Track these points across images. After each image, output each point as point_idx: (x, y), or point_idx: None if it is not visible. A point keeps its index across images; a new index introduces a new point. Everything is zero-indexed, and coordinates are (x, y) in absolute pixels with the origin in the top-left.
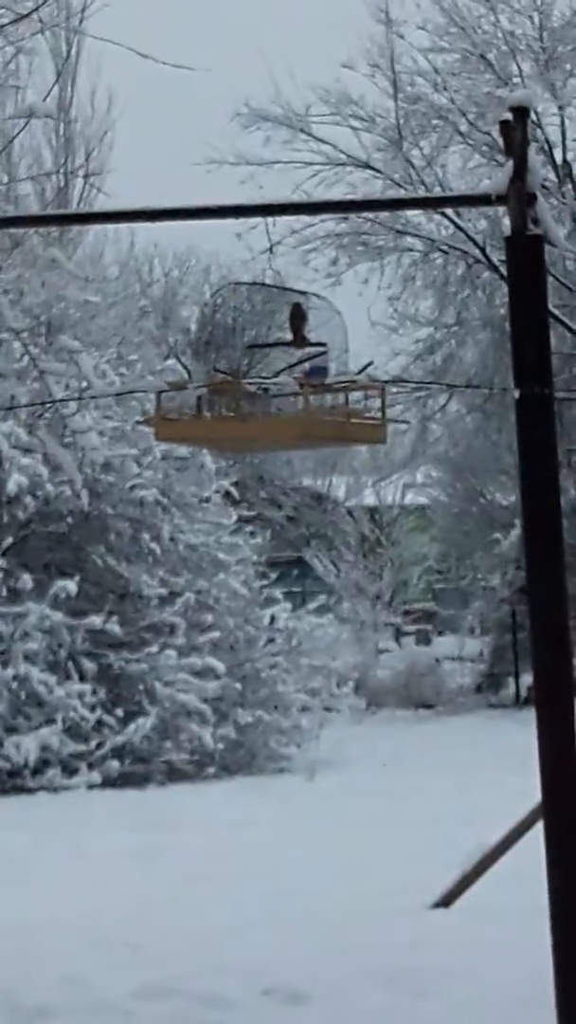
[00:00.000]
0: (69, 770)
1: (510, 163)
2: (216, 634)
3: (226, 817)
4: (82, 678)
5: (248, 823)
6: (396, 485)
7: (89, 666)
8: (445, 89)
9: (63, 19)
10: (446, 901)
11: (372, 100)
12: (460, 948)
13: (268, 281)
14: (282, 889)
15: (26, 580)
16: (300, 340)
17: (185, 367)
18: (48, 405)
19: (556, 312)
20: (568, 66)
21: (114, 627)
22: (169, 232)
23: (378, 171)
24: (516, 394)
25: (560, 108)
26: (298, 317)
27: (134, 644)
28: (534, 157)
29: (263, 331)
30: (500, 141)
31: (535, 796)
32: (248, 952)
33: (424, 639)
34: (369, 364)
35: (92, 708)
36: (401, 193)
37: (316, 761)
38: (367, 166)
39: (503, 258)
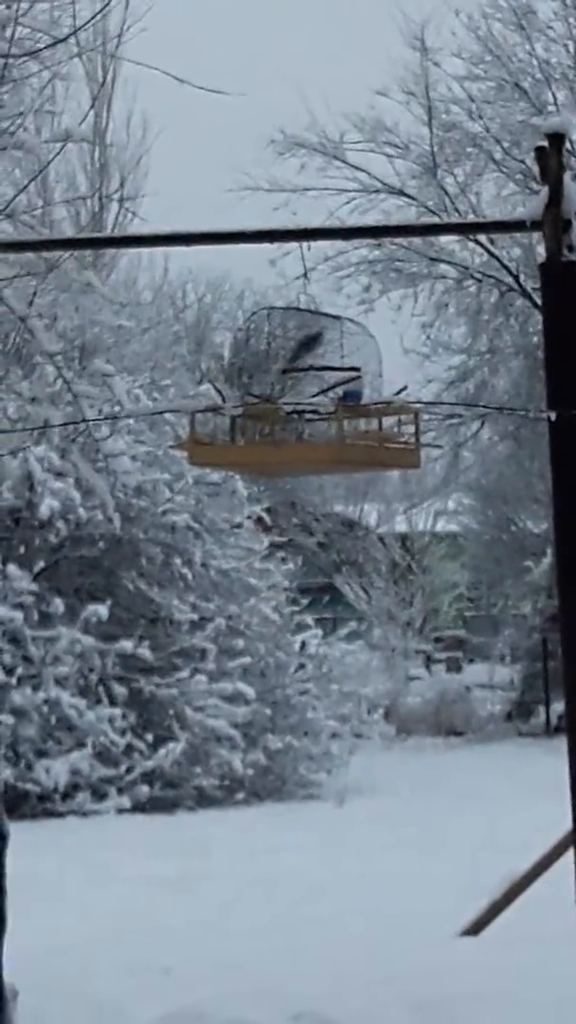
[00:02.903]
0: (99, 794)
1: (545, 190)
2: (247, 660)
3: (255, 843)
4: (112, 702)
5: (277, 849)
6: (427, 512)
7: (120, 691)
8: (480, 117)
9: (99, 44)
10: (475, 929)
11: (406, 127)
12: (489, 976)
13: (302, 306)
14: (311, 915)
15: (57, 604)
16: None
17: (219, 392)
18: (81, 429)
19: None
20: None
21: (145, 652)
22: (203, 258)
23: (412, 198)
24: (552, 417)
25: None
26: (307, 345)
27: (165, 669)
28: (569, 184)
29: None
30: (534, 169)
31: (565, 824)
32: (278, 978)
33: (455, 666)
34: (403, 389)
35: (122, 733)
36: (435, 220)
37: (346, 788)
38: (401, 193)
39: (536, 286)
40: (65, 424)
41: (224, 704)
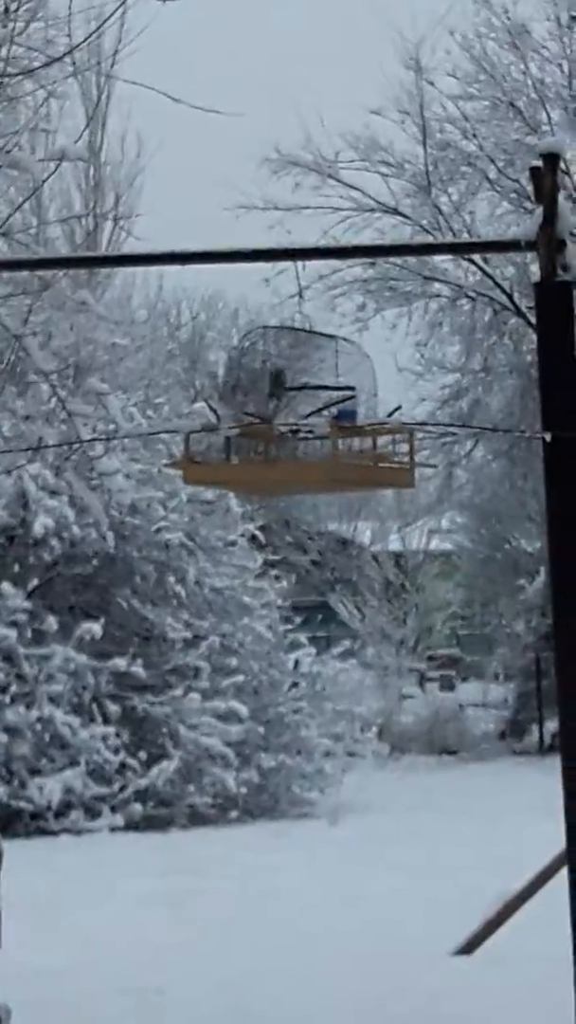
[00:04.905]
0: (92, 813)
1: (539, 209)
2: (240, 678)
3: (249, 861)
4: (106, 720)
5: (271, 868)
6: (421, 531)
7: (113, 709)
8: (474, 136)
9: (94, 63)
10: (468, 948)
11: (401, 146)
12: (481, 995)
13: (296, 325)
14: (305, 934)
15: (51, 622)
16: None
17: (214, 410)
18: (76, 447)
19: None
20: None
21: (138, 670)
22: (197, 276)
23: (406, 217)
24: (547, 438)
25: None
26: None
27: (158, 687)
28: (563, 203)
29: (291, 375)
30: (529, 188)
31: (559, 843)
32: (271, 997)
33: (448, 685)
34: (397, 409)
35: (116, 751)
36: (429, 239)
37: (339, 806)
38: (395, 212)
39: (530, 305)
40: (60, 444)
41: (217, 722)
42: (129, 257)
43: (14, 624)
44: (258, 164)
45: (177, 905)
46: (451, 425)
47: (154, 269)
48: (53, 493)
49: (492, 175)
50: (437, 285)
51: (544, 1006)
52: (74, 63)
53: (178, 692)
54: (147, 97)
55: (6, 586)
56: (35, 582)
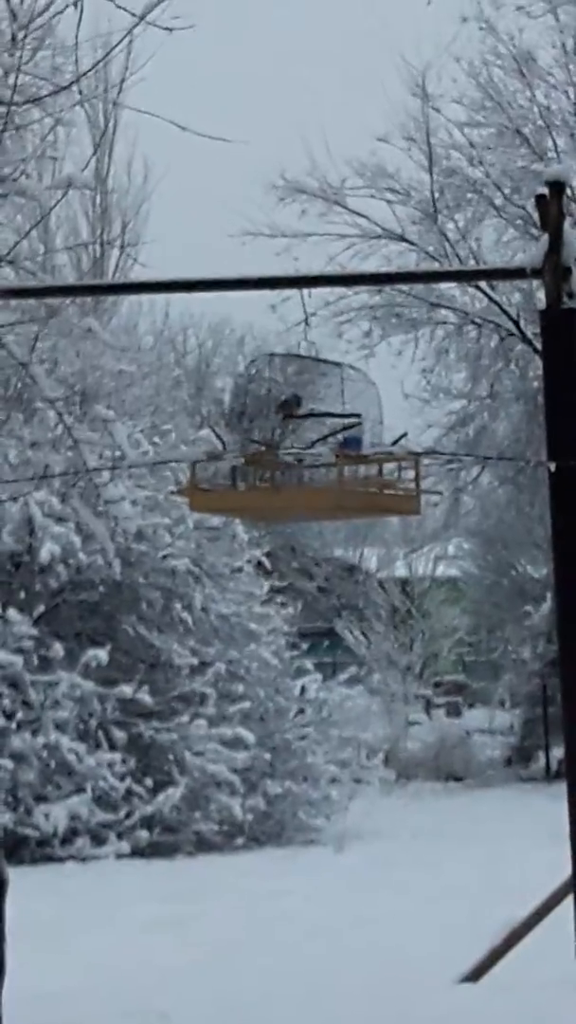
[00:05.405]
0: (98, 839)
1: (545, 237)
2: (246, 704)
3: (255, 888)
4: (112, 747)
5: (277, 894)
6: (427, 557)
7: (119, 735)
8: (480, 163)
9: (101, 91)
10: (474, 975)
11: (407, 173)
12: (487, 1022)
13: (303, 352)
14: (311, 960)
15: (57, 649)
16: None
17: (219, 437)
18: (82, 474)
19: None
20: None
21: (145, 696)
22: (204, 303)
23: (413, 244)
24: (552, 467)
25: None
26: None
27: (164, 714)
28: (569, 231)
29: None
30: (535, 215)
31: (565, 870)
32: (277, 1021)
33: (454, 711)
34: (403, 436)
35: (122, 777)
36: (436, 266)
37: (345, 833)
38: (402, 239)
39: (537, 331)
40: (65, 474)
41: (224, 749)
42: (135, 285)
43: (20, 651)
44: (264, 191)
45: (182, 929)
46: (456, 454)
47: (160, 296)
48: (59, 520)
49: (498, 202)
50: (443, 312)
51: None
52: (81, 91)
53: (184, 719)
54: (153, 123)
55: (12, 613)
56: (41, 608)
